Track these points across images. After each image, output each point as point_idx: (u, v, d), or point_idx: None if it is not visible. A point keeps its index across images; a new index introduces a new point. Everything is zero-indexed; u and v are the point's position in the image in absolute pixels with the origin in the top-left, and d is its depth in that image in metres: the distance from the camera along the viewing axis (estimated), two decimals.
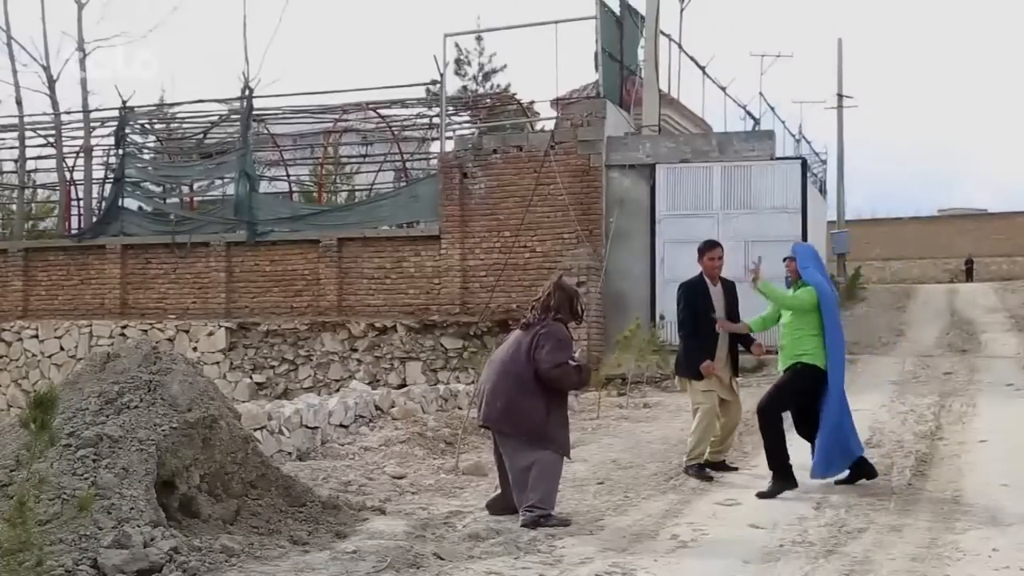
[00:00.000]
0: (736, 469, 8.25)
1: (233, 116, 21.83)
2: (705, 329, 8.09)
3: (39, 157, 24.85)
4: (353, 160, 26.53)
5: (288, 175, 25.26)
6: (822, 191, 32.83)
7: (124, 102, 21.44)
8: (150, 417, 5.68)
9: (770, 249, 15.79)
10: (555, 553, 5.72)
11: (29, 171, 25.51)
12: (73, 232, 22.36)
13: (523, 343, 6.60)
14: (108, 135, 22.21)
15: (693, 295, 8.22)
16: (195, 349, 18.77)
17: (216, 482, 5.96)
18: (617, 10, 18.54)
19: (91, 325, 20.03)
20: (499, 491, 6.80)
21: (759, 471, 8.11)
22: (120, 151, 21.43)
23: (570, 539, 6.08)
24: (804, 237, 16.23)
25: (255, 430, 8.52)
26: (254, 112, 20.63)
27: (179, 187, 23.91)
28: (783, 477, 7.29)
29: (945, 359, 15.95)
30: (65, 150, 23.30)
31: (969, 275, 39.00)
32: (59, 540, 4.81)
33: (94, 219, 21.77)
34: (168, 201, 23.81)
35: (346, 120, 23.47)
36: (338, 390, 14.57)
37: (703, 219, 16.21)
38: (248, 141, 20.16)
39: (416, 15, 75.78)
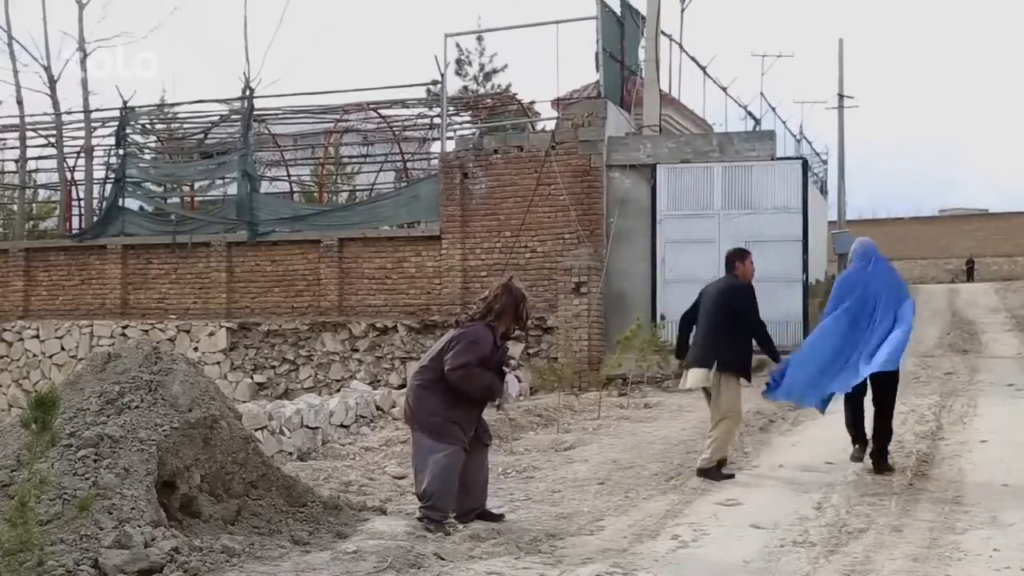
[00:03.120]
0: (732, 476, 7.91)
1: (234, 116, 21.82)
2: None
3: (40, 157, 24.92)
4: (354, 160, 26.56)
5: (289, 175, 25.30)
6: (823, 191, 32.88)
7: (125, 102, 21.44)
8: (151, 417, 5.68)
9: (771, 249, 15.98)
10: (556, 553, 5.72)
11: (30, 171, 25.57)
12: (74, 232, 22.36)
13: (446, 342, 6.61)
14: (109, 135, 22.21)
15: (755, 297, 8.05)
16: (196, 349, 18.76)
17: (217, 482, 5.96)
18: (618, 10, 18.53)
19: (92, 325, 20.04)
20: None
21: (760, 471, 8.12)
22: (121, 151, 21.42)
23: (571, 539, 6.09)
24: (805, 237, 16.25)
25: (256, 430, 8.53)
26: (255, 112, 20.62)
27: (180, 187, 23.92)
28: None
29: (946, 359, 15.96)
30: (66, 150, 23.29)
31: (970, 275, 39.03)
32: (60, 540, 4.81)
33: (95, 219, 21.76)
34: (169, 201, 23.80)
35: (347, 120, 23.47)
36: (339, 390, 14.58)
37: (704, 219, 16.22)
38: (249, 141, 20.14)
39: (416, 15, 75.86)
